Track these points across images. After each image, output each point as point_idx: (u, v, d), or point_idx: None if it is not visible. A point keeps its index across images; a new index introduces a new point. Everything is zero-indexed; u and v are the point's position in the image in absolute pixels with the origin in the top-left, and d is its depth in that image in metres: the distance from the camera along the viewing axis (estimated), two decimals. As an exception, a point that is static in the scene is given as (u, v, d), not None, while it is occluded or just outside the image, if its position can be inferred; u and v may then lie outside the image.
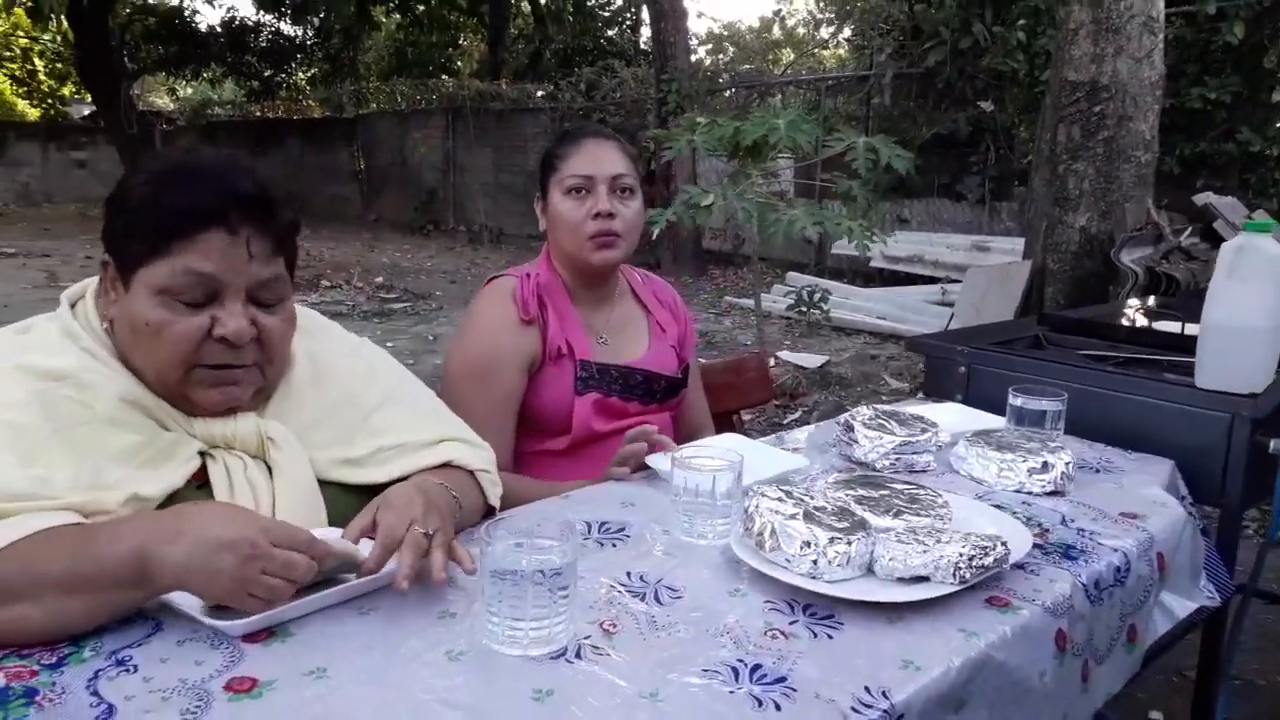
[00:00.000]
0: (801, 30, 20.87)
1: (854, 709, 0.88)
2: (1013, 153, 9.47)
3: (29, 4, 12.83)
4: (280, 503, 1.13)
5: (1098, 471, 1.60)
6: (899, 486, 1.33)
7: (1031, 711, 1.08)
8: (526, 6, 18.99)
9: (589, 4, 18.87)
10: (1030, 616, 1.09)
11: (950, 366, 2.01)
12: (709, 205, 4.40)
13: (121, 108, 15.46)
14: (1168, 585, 1.42)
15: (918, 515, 1.23)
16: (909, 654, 0.98)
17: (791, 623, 1.04)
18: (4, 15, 16.69)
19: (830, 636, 1.01)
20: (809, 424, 2.35)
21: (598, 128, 1.87)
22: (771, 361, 5.94)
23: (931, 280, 8.70)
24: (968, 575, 1.08)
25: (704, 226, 5.11)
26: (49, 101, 22.12)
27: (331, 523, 1.15)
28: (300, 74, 20.93)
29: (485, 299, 1.74)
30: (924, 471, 1.56)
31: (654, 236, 4.39)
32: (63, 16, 14.19)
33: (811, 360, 6.31)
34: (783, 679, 0.92)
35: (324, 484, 1.18)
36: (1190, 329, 1.98)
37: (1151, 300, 3.27)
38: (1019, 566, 1.17)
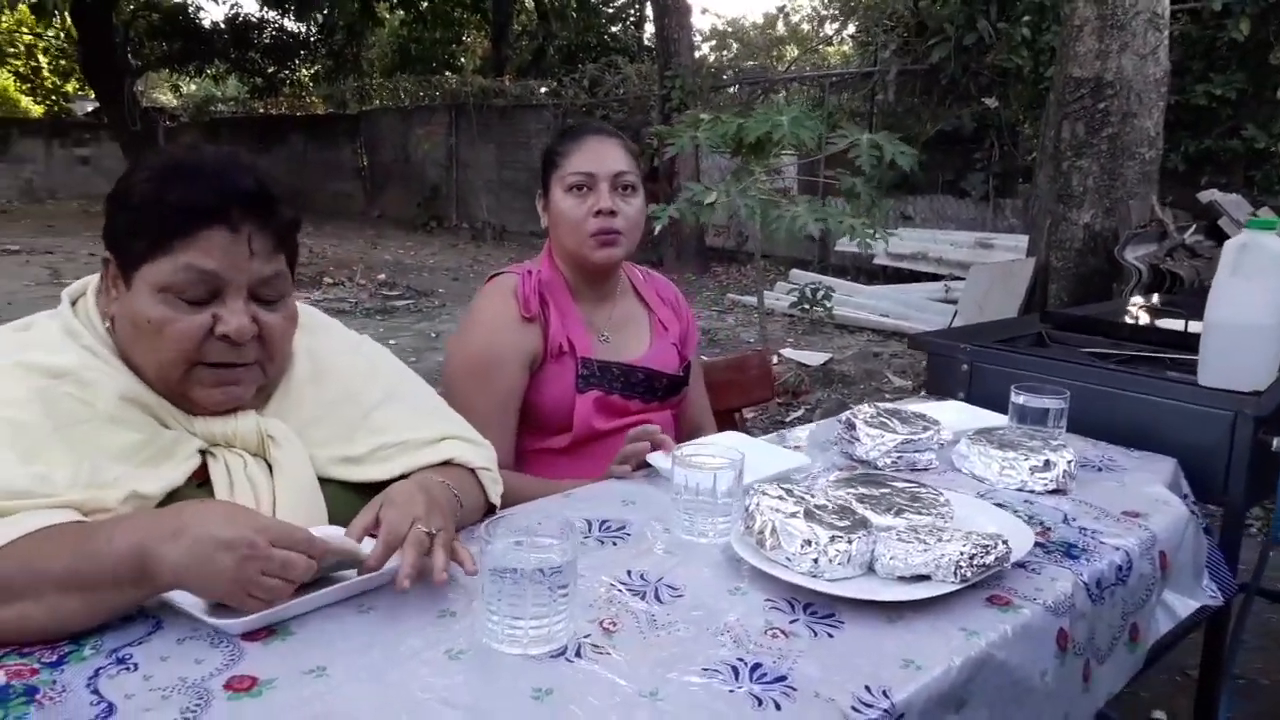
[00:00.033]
0: (806, 26, 20.83)
1: (854, 708, 0.88)
2: (1017, 149, 9.46)
3: (33, 0, 12.83)
4: (280, 501, 1.13)
5: (1100, 470, 1.59)
6: (900, 485, 1.32)
7: (1032, 711, 1.08)
8: (530, 3, 18.98)
9: (592, 0, 18.86)
10: (1031, 615, 1.09)
11: (952, 364, 2.01)
12: (712, 203, 4.39)
13: (125, 104, 15.48)
14: (1170, 584, 1.42)
15: (919, 514, 1.23)
16: (910, 653, 0.98)
17: (792, 621, 1.04)
18: (8, 11, 16.69)
19: (831, 635, 1.01)
20: (811, 422, 2.35)
21: (600, 124, 1.86)
22: (774, 359, 5.94)
23: (935, 277, 8.69)
24: (969, 574, 1.08)
25: (707, 224, 5.10)
26: (53, 98, 22.14)
27: (332, 521, 1.15)
28: (304, 70, 20.93)
29: (486, 296, 1.73)
30: (926, 470, 1.56)
31: (656, 232, 4.38)
32: (66, 13, 14.21)
33: (814, 358, 6.30)
34: (783, 678, 0.92)
35: (324, 482, 1.18)
36: (1193, 327, 1.98)
37: (1155, 298, 3.26)
38: (1020, 565, 1.17)
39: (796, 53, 18.44)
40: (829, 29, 17.80)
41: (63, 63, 21.47)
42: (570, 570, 0.96)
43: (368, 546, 1.04)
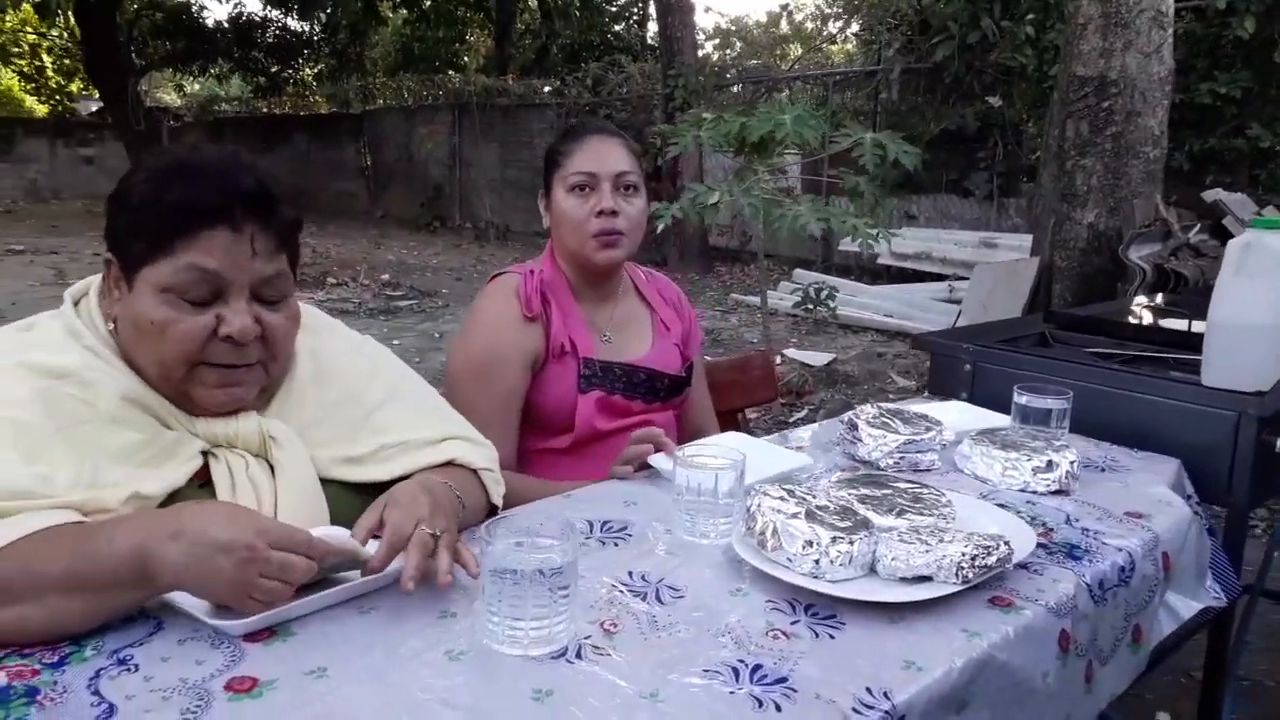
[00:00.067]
0: (809, 25, 20.83)
1: (855, 709, 0.88)
2: (1021, 148, 9.44)
3: (37, 0, 12.85)
4: (282, 501, 1.13)
5: (1103, 470, 1.59)
6: (902, 485, 1.32)
7: (1034, 712, 1.08)
8: (533, 2, 18.98)
9: (596, -1, 18.88)
10: (1033, 617, 1.08)
11: (955, 364, 2.01)
12: (715, 203, 4.39)
13: (129, 104, 15.50)
14: (1173, 585, 1.42)
15: (921, 514, 1.23)
16: (911, 654, 0.98)
17: (793, 623, 1.03)
18: (12, 11, 16.73)
19: (832, 636, 1.01)
20: (815, 422, 2.34)
21: (602, 124, 1.86)
22: (778, 359, 5.93)
23: (939, 277, 8.68)
24: (970, 575, 1.08)
25: (710, 224, 5.09)
26: (57, 98, 22.18)
27: (333, 521, 1.15)
28: (307, 70, 20.95)
29: (488, 296, 1.73)
30: (928, 470, 1.55)
31: (658, 231, 4.38)
32: (70, 12, 14.23)
33: (818, 358, 6.29)
34: (783, 679, 0.92)
35: (326, 482, 1.18)
36: (1197, 326, 1.97)
37: (1159, 297, 3.26)
38: (1022, 566, 1.17)
39: (800, 51, 18.43)
40: (832, 27, 17.79)
41: (67, 62, 21.51)
42: (571, 571, 0.96)
43: (370, 547, 1.04)
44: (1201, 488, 1.63)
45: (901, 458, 1.55)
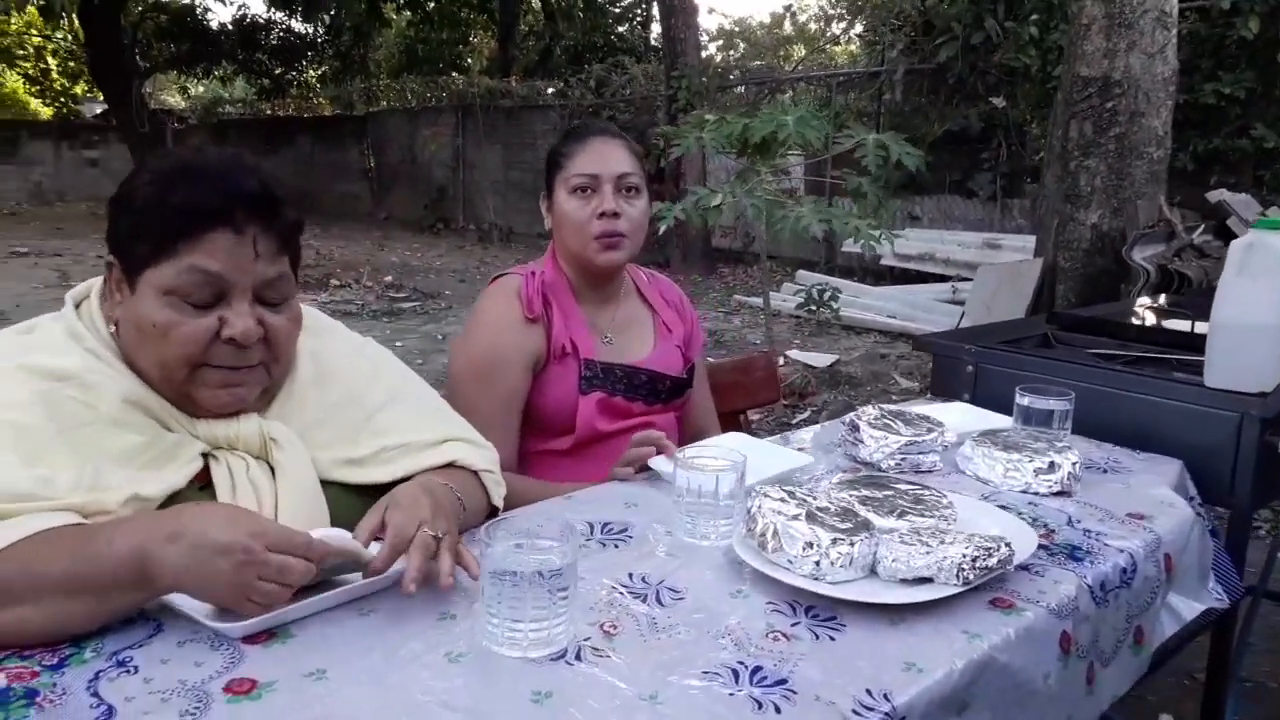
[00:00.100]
0: (813, 26, 20.80)
1: (855, 711, 0.88)
2: (1024, 149, 9.43)
3: (41, 2, 12.88)
4: (283, 503, 1.13)
5: (1105, 472, 1.59)
6: (903, 487, 1.32)
7: (1035, 714, 1.08)
8: (537, 3, 18.99)
9: (599, 0, 18.86)
10: (1034, 618, 1.08)
11: (957, 366, 2.00)
12: (718, 204, 4.39)
13: (133, 106, 15.52)
14: (1175, 587, 1.41)
15: (922, 516, 1.22)
16: (911, 656, 0.98)
17: (793, 624, 1.03)
18: (17, 13, 16.77)
19: (832, 638, 1.01)
20: (817, 424, 2.34)
21: (604, 125, 1.86)
22: (780, 360, 5.93)
23: (943, 278, 8.67)
24: (971, 576, 1.08)
25: (714, 225, 5.09)
26: (61, 100, 22.21)
27: (334, 523, 1.15)
28: (311, 72, 20.98)
29: (490, 297, 1.73)
30: (929, 472, 1.55)
31: (661, 233, 4.37)
32: (74, 15, 14.26)
33: (821, 359, 6.29)
34: (783, 681, 0.92)
35: (327, 484, 1.18)
36: (1199, 327, 1.97)
37: (1163, 298, 3.25)
38: (1024, 568, 1.17)
39: (803, 52, 18.42)
40: (836, 28, 17.76)
41: (71, 65, 21.55)
42: (570, 573, 0.96)
43: (372, 549, 1.04)
44: (1204, 489, 1.62)
45: (903, 459, 1.55)
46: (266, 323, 1.12)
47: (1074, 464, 1.46)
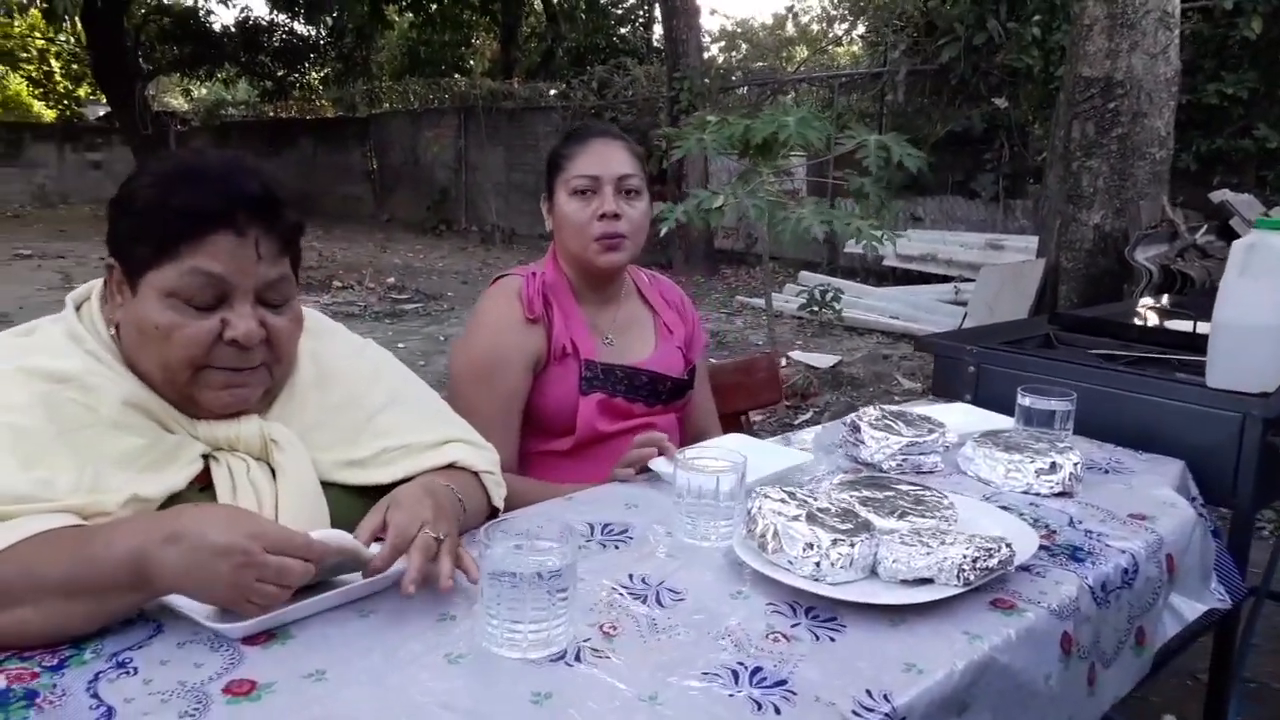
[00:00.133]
0: (815, 27, 20.80)
1: (855, 712, 0.88)
2: (1027, 149, 9.42)
3: (44, 5, 12.91)
4: (283, 505, 1.13)
5: (1107, 472, 1.58)
6: (904, 488, 1.32)
7: (1036, 714, 1.07)
8: (539, 4, 19.01)
9: (601, 2, 18.86)
10: (1035, 619, 1.08)
11: (959, 366, 2.00)
12: (719, 206, 4.38)
13: (136, 108, 15.57)
14: (1177, 587, 1.41)
15: (922, 517, 1.22)
16: (912, 657, 0.97)
17: (793, 625, 1.03)
18: (20, 16, 16.82)
19: (832, 639, 1.01)
20: (819, 424, 2.34)
21: (605, 126, 1.86)
22: (783, 361, 5.92)
23: (945, 279, 8.67)
24: (971, 577, 1.07)
25: (716, 226, 5.09)
26: (65, 103, 22.25)
27: (335, 525, 1.14)
28: (313, 74, 21.02)
29: (490, 298, 1.74)
30: (931, 472, 1.55)
31: (662, 234, 4.37)
32: (77, 18, 14.29)
33: (823, 360, 6.29)
34: (783, 682, 0.92)
35: (327, 485, 1.18)
36: (1202, 328, 1.97)
37: (1165, 298, 3.25)
38: (1025, 568, 1.16)
39: (806, 53, 18.42)
40: (838, 29, 17.78)
41: (75, 67, 21.58)
42: (569, 574, 0.96)
43: (372, 549, 1.04)
44: (1206, 489, 1.62)
45: (904, 460, 1.55)
46: (268, 324, 1.12)
47: (1075, 464, 1.46)
